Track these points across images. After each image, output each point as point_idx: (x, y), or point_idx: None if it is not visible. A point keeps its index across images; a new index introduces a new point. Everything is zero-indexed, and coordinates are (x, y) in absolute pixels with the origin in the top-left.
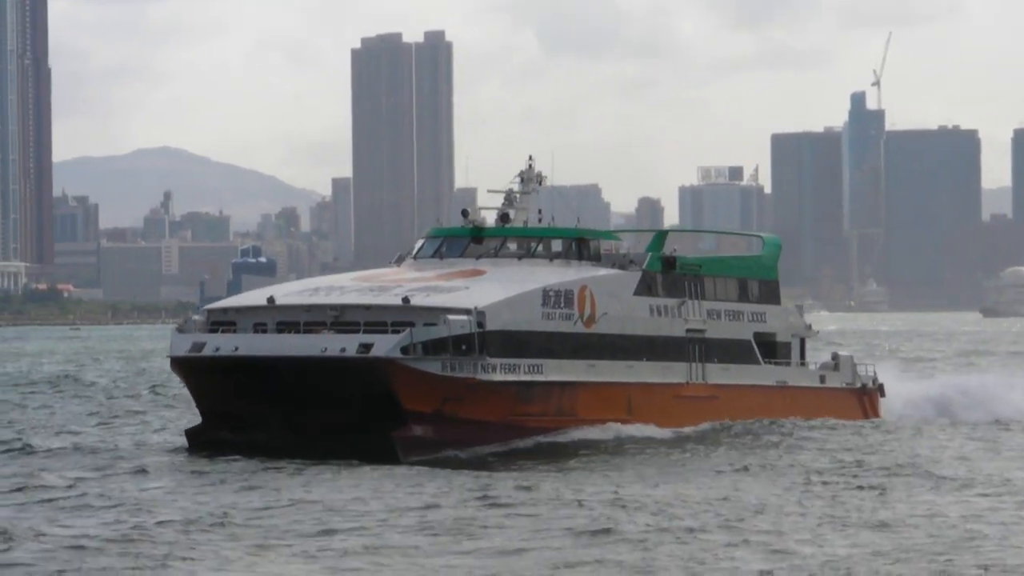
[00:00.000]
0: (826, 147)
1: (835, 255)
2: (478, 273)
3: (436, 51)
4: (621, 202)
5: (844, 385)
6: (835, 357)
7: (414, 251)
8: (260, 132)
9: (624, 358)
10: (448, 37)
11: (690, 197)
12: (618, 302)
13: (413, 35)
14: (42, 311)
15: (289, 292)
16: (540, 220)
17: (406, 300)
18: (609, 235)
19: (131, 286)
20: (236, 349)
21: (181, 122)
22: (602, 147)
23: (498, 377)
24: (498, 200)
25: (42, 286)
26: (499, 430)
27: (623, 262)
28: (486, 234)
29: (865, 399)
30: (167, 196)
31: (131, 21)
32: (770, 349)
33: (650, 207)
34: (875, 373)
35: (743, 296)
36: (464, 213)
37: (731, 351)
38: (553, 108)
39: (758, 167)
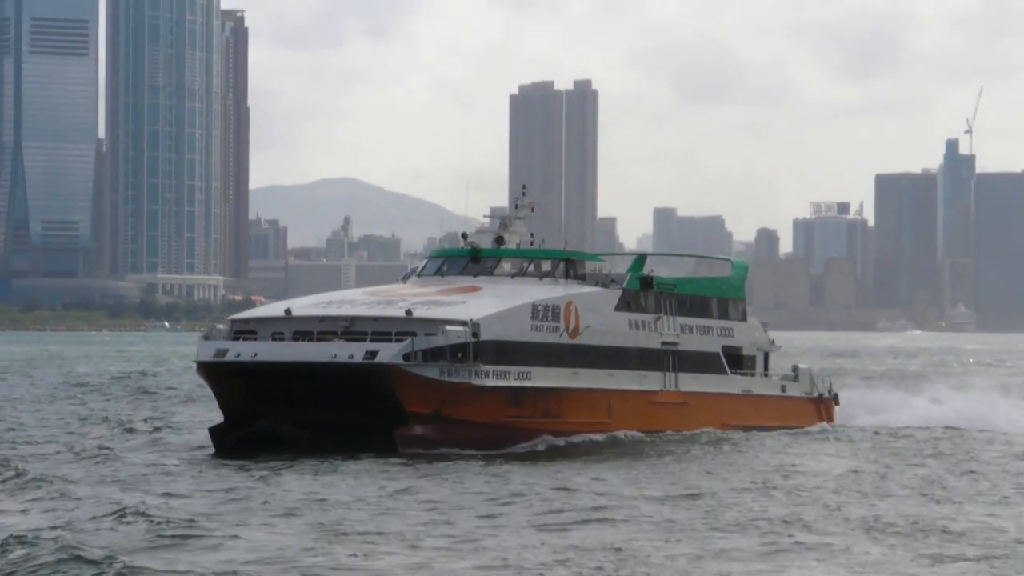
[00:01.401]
0: (923, 186)
1: (929, 281)
2: (474, 289)
3: (583, 97)
4: (742, 232)
5: (802, 394)
6: (795, 369)
7: (419, 270)
8: (428, 165)
9: (605, 367)
10: (594, 85)
11: (803, 228)
12: (600, 317)
13: (564, 83)
14: None
15: (305, 304)
16: (532, 243)
17: (409, 312)
18: (594, 257)
19: None
20: (255, 355)
21: (359, 156)
22: (725, 183)
23: (490, 383)
24: (518, 220)
25: (238, 297)
26: (491, 430)
27: (605, 281)
28: (483, 255)
29: (821, 407)
30: (347, 220)
31: (318, 67)
32: (737, 361)
33: (767, 237)
34: (831, 384)
35: (713, 313)
36: (463, 236)
37: (702, 362)
38: (682, 148)
39: (863, 203)
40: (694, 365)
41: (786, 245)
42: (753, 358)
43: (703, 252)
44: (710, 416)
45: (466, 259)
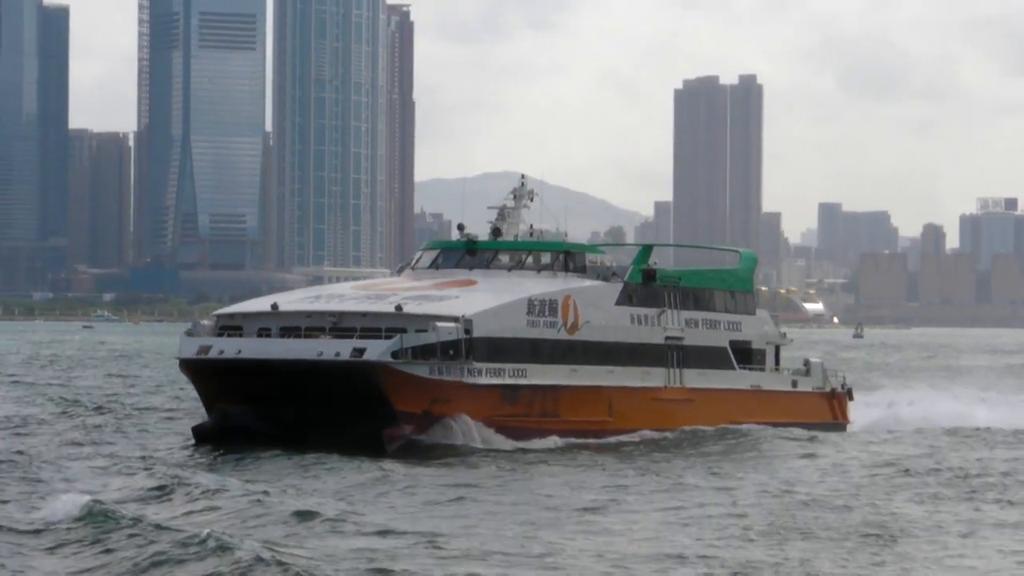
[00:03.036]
0: None
1: None
2: (470, 283)
3: (748, 93)
4: (908, 227)
5: (814, 389)
6: (807, 363)
7: (413, 262)
8: (591, 159)
9: (605, 363)
10: (759, 80)
11: (970, 224)
12: (600, 311)
13: (729, 78)
14: None
15: (292, 299)
16: (531, 234)
17: (399, 308)
18: (594, 249)
19: None
20: (239, 352)
21: (522, 149)
22: (891, 178)
23: (484, 380)
24: (519, 214)
25: None
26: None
27: (606, 274)
28: (479, 247)
29: (834, 402)
30: None
31: (481, 61)
32: (746, 356)
33: (934, 232)
34: (844, 378)
35: (720, 306)
36: (460, 227)
37: (708, 357)
38: (848, 143)
39: None
40: (700, 360)
41: (952, 241)
42: (763, 352)
43: (869, 248)
44: (717, 413)
45: (462, 251)
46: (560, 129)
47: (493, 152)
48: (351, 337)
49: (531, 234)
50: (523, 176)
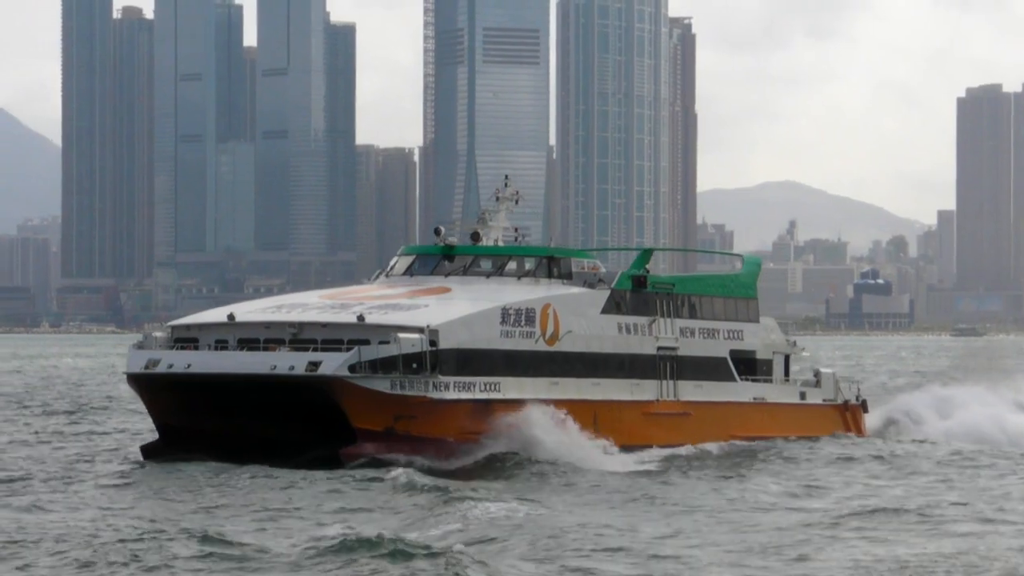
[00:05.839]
0: None
1: None
2: (443, 291)
3: None
4: None
5: (824, 401)
6: (817, 374)
7: (388, 268)
8: (870, 168)
9: (590, 375)
10: None
11: None
12: (584, 320)
13: (1012, 85)
14: None
15: (252, 309)
16: (517, 239)
17: (361, 318)
18: (582, 254)
19: (761, 301)
20: (189, 366)
21: (801, 158)
22: None
23: (451, 395)
24: (500, 217)
25: None
26: (455, 447)
27: (593, 281)
28: (457, 252)
29: (847, 415)
30: (792, 224)
31: (760, 69)
32: (749, 366)
33: None
34: (859, 389)
35: (719, 314)
36: (436, 231)
37: (705, 368)
38: None
39: None
40: (697, 372)
41: None
42: (769, 363)
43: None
44: (715, 427)
45: (439, 257)
46: (838, 137)
47: (771, 161)
48: (309, 350)
49: (516, 239)
50: (506, 176)
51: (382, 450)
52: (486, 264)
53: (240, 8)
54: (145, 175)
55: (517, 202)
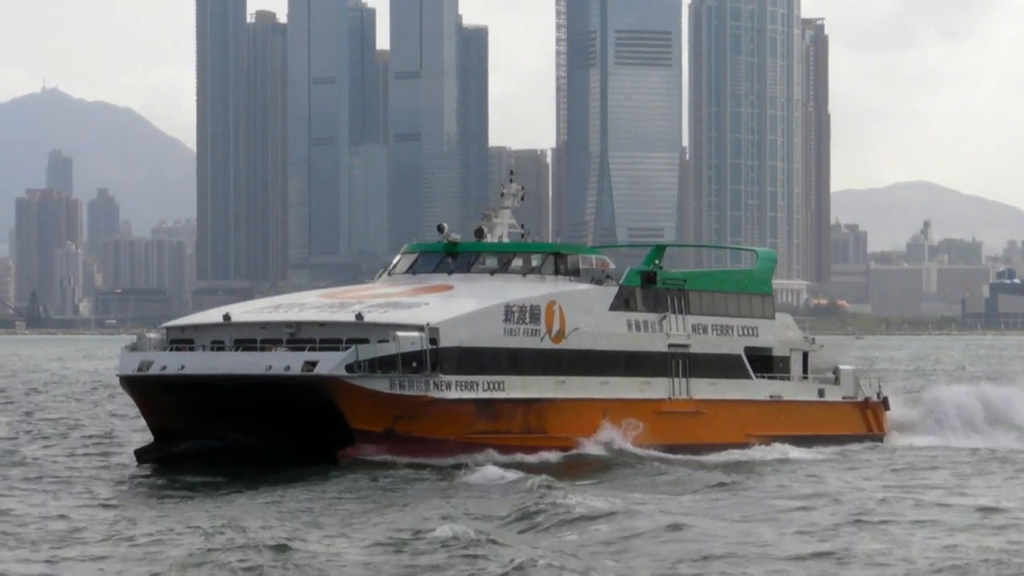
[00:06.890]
0: None
1: None
2: (446, 288)
3: None
4: None
5: (844, 399)
6: (836, 371)
7: (391, 267)
8: (1004, 166)
9: (598, 374)
10: None
11: None
12: (591, 317)
13: None
14: (823, 323)
15: (248, 309)
16: (523, 236)
17: (359, 317)
18: (591, 250)
19: (895, 302)
20: (183, 368)
21: (934, 157)
22: None
23: (453, 395)
24: (506, 213)
25: (822, 301)
26: (458, 448)
27: (601, 277)
28: (460, 249)
29: (868, 412)
30: (926, 224)
31: (893, 69)
32: (766, 364)
33: None
34: (880, 386)
35: (732, 310)
36: (439, 228)
37: (719, 366)
38: None
39: None
40: (709, 369)
41: None
42: (786, 360)
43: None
44: (729, 426)
45: (442, 254)
46: (971, 136)
47: (903, 161)
48: (307, 349)
49: (522, 235)
50: (511, 171)
51: (382, 451)
52: (491, 261)
53: (372, 12)
54: (279, 178)
55: (523, 199)
